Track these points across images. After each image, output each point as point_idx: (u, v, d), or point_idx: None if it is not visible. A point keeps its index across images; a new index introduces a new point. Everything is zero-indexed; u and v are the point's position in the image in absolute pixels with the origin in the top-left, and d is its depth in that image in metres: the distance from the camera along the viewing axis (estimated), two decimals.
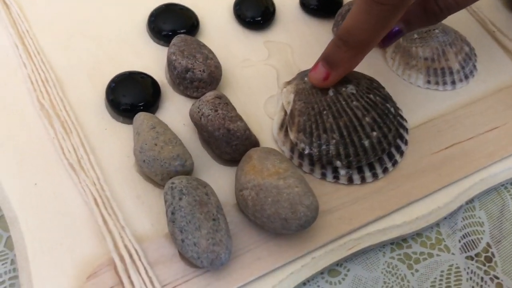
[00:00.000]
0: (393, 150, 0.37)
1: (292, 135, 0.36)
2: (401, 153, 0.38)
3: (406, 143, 0.38)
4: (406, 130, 0.39)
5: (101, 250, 0.32)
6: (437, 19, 0.37)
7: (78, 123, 0.37)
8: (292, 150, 0.37)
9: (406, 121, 0.40)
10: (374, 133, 0.35)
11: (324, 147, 0.35)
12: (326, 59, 0.35)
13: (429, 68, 0.42)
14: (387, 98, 0.37)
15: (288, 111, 0.37)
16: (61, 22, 0.42)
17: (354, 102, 0.35)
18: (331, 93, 0.36)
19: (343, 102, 0.35)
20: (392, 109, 0.37)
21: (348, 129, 0.35)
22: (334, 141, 0.35)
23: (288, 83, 0.39)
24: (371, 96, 0.36)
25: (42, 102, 0.37)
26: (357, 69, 0.39)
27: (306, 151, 0.36)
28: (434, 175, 0.37)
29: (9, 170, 0.35)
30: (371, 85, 0.37)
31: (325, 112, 0.35)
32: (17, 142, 0.36)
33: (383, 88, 0.38)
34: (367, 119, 0.35)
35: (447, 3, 0.36)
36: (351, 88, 0.36)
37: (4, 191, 0.34)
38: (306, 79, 0.37)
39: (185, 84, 0.38)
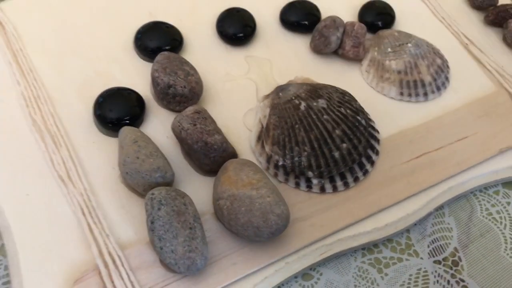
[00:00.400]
0: (364, 160, 0.39)
1: (267, 148, 0.38)
2: (372, 163, 0.40)
3: (377, 153, 0.40)
4: (377, 141, 0.41)
5: (87, 257, 0.35)
6: None
7: (67, 137, 0.39)
8: (268, 161, 0.39)
9: (378, 132, 0.42)
10: (344, 145, 0.37)
11: (296, 159, 0.37)
12: None
13: (402, 80, 0.44)
14: (358, 111, 0.40)
15: (264, 125, 0.39)
16: (53, 41, 0.45)
17: (325, 116, 0.38)
18: (302, 107, 0.38)
19: (314, 116, 0.37)
20: (363, 121, 0.39)
21: (319, 141, 0.37)
22: (305, 153, 0.37)
23: (266, 97, 0.42)
24: (342, 109, 0.38)
25: (34, 118, 0.40)
26: (334, 82, 0.42)
27: (280, 163, 0.38)
28: (403, 184, 0.40)
29: (3, 181, 0.37)
30: (343, 99, 0.39)
31: (297, 126, 0.37)
32: (10, 155, 0.38)
33: (355, 101, 0.40)
34: (337, 131, 0.37)
35: None
36: (322, 103, 0.38)
37: None
38: (280, 94, 0.39)
39: (168, 99, 0.41)
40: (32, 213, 0.36)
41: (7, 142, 0.39)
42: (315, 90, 0.39)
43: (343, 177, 0.38)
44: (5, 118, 0.40)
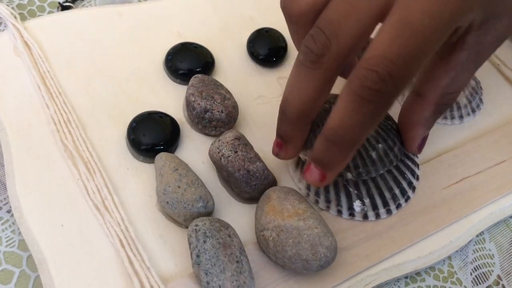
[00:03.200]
0: (405, 186, 0.38)
1: (301, 154, 0.37)
2: (413, 188, 0.39)
3: (417, 178, 0.40)
4: (417, 165, 0.40)
5: None
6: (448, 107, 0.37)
7: (101, 164, 0.38)
8: (308, 187, 0.38)
9: (417, 156, 0.41)
10: (380, 145, 0.37)
11: None
12: (318, 161, 0.33)
13: None
14: (388, 117, 0.39)
15: None
16: (80, 62, 0.43)
17: None
18: None
19: None
20: (394, 126, 0.39)
21: None
22: None
23: None
24: None
25: (66, 143, 0.39)
26: None
27: None
28: (445, 210, 0.39)
29: (36, 211, 0.36)
30: None
31: None
32: (43, 184, 0.37)
33: None
34: (372, 132, 0.37)
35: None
36: None
37: (32, 232, 0.35)
38: None
39: (203, 123, 0.40)
40: (68, 244, 0.35)
41: (39, 169, 0.38)
42: None
43: (385, 204, 0.38)
44: (35, 143, 0.39)
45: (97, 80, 0.43)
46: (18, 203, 0.36)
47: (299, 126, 0.34)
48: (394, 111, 0.43)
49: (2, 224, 0.37)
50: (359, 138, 0.31)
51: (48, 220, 0.35)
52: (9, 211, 0.37)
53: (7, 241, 0.36)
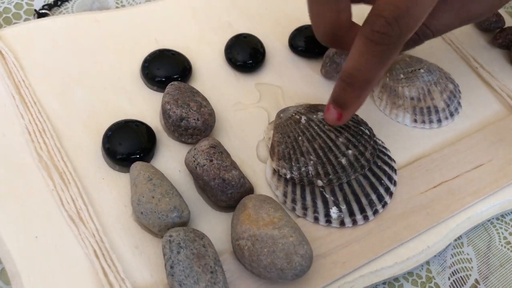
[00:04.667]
0: (383, 192, 0.38)
1: (274, 164, 0.38)
2: (390, 194, 0.39)
3: (395, 184, 0.40)
4: (394, 171, 0.40)
5: None
6: (415, 45, 0.40)
7: (76, 174, 0.38)
8: (285, 194, 0.38)
9: (394, 161, 0.41)
10: (350, 151, 0.37)
11: (303, 169, 0.37)
12: (335, 101, 0.36)
13: (415, 107, 0.44)
14: (360, 122, 0.40)
15: (269, 145, 0.39)
16: (56, 70, 0.43)
17: (326, 126, 0.38)
18: (303, 120, 0.38)
19: (316, 127, 0.38)
20: (366, 131, 0.39)
21: (324, 150, 0.37)
22: (312, 162, 0.37)
23: (270, 123, 0.42)
24: None
25: (40, 154, 0.38)
26: None
27: (288, 176, 0.37)
28: (423, 215, 0.39)
29: (10, 223, 0.35)
30: None
31: (300, 138, 0.37)
32: (17, 195, 0.36)
33: (356, 114, 0.40)
34: (341, 139, 0.37)
35: (424, 32, 0.39)
36: (321, 115, 0.38)
37: (5, 245, 0.34)
38: (281, 115, 0.40)
39: (180, 131, 0.39)
40: (42, 256, 0.34)
41: (13, 180, 0.37)
42: (314, 106, 0.40)
43: (362, 210, 0.37)
44: (9, 154, 0.38)
45: (73, 89, 0.42)
46: None
47: (364, 93, 0.35)
48: (369, 114, 0.43)
49: None
50: (371, 78, 0.33)
51: (22, 231, 0.35)
52: None
53: None
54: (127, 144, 0.39)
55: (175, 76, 0.43)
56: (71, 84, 0.42)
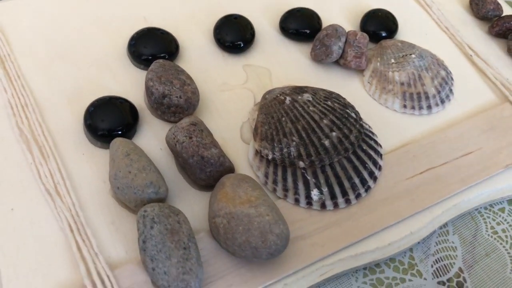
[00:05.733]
0: (366, 176, 0.38)
1: (256, 145, 0.38)
2: (375, 178, 0.38)
3: (380, 168, 0.39)
4: (380, 155, 0.39)
5: (74, 277, 0.33)
6: None
7: (56, 149, 0.37)
8: (266, 175, 0.37)
9: (380, 146, 0.40)
10: (334, 133, 0.36)
11: (285, 150, 0.36)
12: None
13: (405, 92, 0.43)
14: (347, 105, 0.39)
15: (253, 126, 0.39)
16: (42, 46, 0.43)
17: (311, 108, 0.37)
18: (287, 101, 0.37)
19: (300, 108, 0.37)
20: (352, 114, 0.38)
21: (307, 131, 0.36)
22: (294, 143, 0.36)
23: (256, 104, 0.41)
24: (329, 102, 0.38)
25: (21, 127, 0.38)
26: (335, 90, 0.40)
27: (270, 156, 0.37)
28: (407, 201, 0.38)
29: None
30: (330, 95, 0.39)
31: (283, 118, 0.37)
32: None
33: (344, 98, 0.40)
34: (325, 121, 0.37)
35: None
36: (307, 96, 0.38)
37: None
38: (267, 96, 0.39)
39: (162, 109, 0.39)
40: (16, 229, 0.34)
41: None
42: (300, 88, 0.39)
43: (344, 193, 0.37)
44: None
45: (58, 64, 0.42)
46: None
47: None
48: (357, 98, 0.42)
49: None
50: None
51: None
52: None
53: None
54: (109, 121, 0.38)
55: (162, 55, 0.42)
56: (56, 60, 0.42)
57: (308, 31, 0.46)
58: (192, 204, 0.36)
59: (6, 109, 0.39)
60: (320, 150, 0.36)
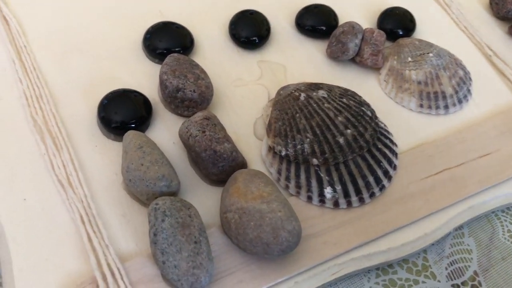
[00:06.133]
0: (381, 175, 0.37)
1: (270, 141, 0.37)
2: (389, 178, 0.38)
3: (395, 168, 0.38)
4: (395, 154, 0.39)
5: (84, 268, 0.33)
6: None
7: (69, 140, 0.37)
8: (279, 172, 0.37)
9: (396, 145, 0.39)
10: (349, 131, 0.36)
11: (299, 146, 0.36)
12: None
13: (422, 91, 0.42)
14: (362, 103, 0.38)
15: (267, 122, 0.38)
16: (58, 38, 0.43)
17: (326, 104, 0.37)
18: (302, 98, 0.37)
19: (314, 105, 0.37)
20: (368, 112, 0.38)
21: (321, 128, 0.36)
22: (308, 140, 0.36)
23: (270, 101, 0.41)
24: (344, 100, 0.38)
25: (35, 118, 0.38)
26: (350, 88, 0.40)
27: (283, 153, 0.36)
28: (422, 201, 0.37)
29: (0, 184, 0.35)
30: (345, 92, 0.39)
31: (297, 115, 0.36)
32: (8, 157, 0.36)
33: (359, 96, 0.39)
34: (340, 118, 0.36)
35: None
36: (322, 93, 0.37)
37: None
38: (281, 92, 0.38)
39: (176, 103, 0.39)
40: (28, 219, 0.34)
41: (6, 142, 0.37)
42: (315, 84, 0.39)
43: (358, 192, 0.36)
44: (4, 117, 0.38)
45: (73, 57, 0.42)
46: None
47: None
48: (373, 97, 0.42)
49: None
50: None
51: (11, 193, 0.35)
52: None
53: None
54: (122, 113, 0.38)
55: (177, 49, 0.42)
56: (71, 52, 0.42)
57: (324, 28, 0.45)
58: (203, 199, 0.36)
59: (21, 99, 0.39)
60: (334, 148, 0.36)
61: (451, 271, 0.37)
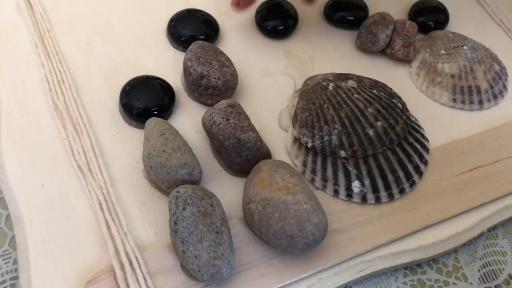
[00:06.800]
0: (411, 170, 0.35)
1: (295, 132, 0.36)
2: (420, 174, 0.36)
3: (426, 163, 0.36)
4: (426, 150, 0.37)
5: (102, 256, 0.32)
6: None
7: (90, 125, 0.37)
8: (305, 164, 0.36)
9: (427, 140, 0.38)
10: (379, 123, 0.34)
11: (326, 138, 0.34)
12: None
13: (455, 85, 0.40)
14: (393, 95, 0.37)
15: (292, 113, 0.37)
16: (81, 24, 0.42)
17: (355, 95, 0.35)
18: (331, 87, 0.36)
19: (343, 95, 0.35)
20: (399, 104, 0.36)
21: (350, 119, 0.34)
22: (336, 131, 0.34)
23: (296, 91, 0.39)
24: (374, 91, 0.36)
25: (56, 103, 0.37)
26: (381, 80, 0.38)
27: (309, 144, 0.35)
28: (454, 199, 0.35)
29: (19, 168, 0.34)
30: (376, 84, 0.37)
31: (325, 105, 0.35)
32: (28, 141, 0.36)
33: (390, 88, 0.38)
34: (370, 110, 0.35)
35: None
36: (351, 83, 0.36)
37: (12, 189, 0.34)
38: (308, 82, 0.37)
39: (199, 90, 0.38)
40: (46, 204, 0.33)
41: (26, 126, 0.36)
42: (344, 75, 0.38)
43: (387, 187, 0.35)
44: (26, 101, 0.38)
45: (96, 43, 0.41)
46: (1, 159, 0.35)
47: None
48: (403, 90, 0.40)
49: None
50: None
51: (30, 178, 0.34)
52: None
53: None
54: (145, 100, 0.37)
55: (201, 37, 0.41)
56: (95, 38, 0.42)
57: (353, 19, 0.44)
58: (225, 190, 0.35)
59: (42, 83, 0.38)
60: (364, 140, 0.34)
61: (484, 273, 0.35)
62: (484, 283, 0.34)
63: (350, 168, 0.34)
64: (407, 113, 0.37)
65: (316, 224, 0.30)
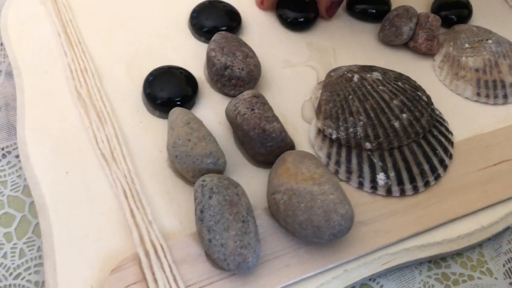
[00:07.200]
0: (436, 163, 0.35)
1: (319, 123, 0.36)
2: (445, 167, 0.36)
3: (450, 157, 0.36)
4: (451, 143, 0.37)
5: (127, 244, 0.31)
6: None
7: (113, 114, 0.37)
8: (329, 156, 0.35)
9: (451, 134, 0.37)
10: (404, 115, 0.34)
11: (351, 129, 0.34)
12: None
13: (480, 79, 0.40)
14: (417, 88, 0.37)
15: (316, 105, 0.37)
16: (104, 13, 0.42)
17: (380, 87, 0.35)
18: (355, 79, 0.35)
19: (369, 87, 0.35)
20: (424, 97, 0.36)
21: (375, 111, 0.34)
22: (361, 123, 0.34)
23: (319, 83, 0.39)
24: (399, 83, 0.36)
25: (80, 91, 0.37)
26: (404, 73, 0.38)
27: (334, 136, 0.35)
28: (479, 193, 0.35)
29: (43, 156, 0.34)
30: (400, 76, 0.37)
31: (350, 97, 0.35)
32: (52, 130, 0.36)
33: (414, 80, 0.38)
34: (395, 102, 0.35)
35: None
36: (376, 75, 0.36)
37: (36, 177, 0.34)
38: (332, 73, 0.37)
39: (223, 81, 0.37)
40: (70, 192, 0.33)
41: (50, 115, 0.36)
42: (368, 67, 0.37)
43: (412, 180, 0.34)
44: (49, 90, 0.38)
45: (119, 32, 0.41)
46: (25, 147, 0.35)
47: None
48: (427, 84, 0.40)
49: (10, 168, 0.36)
50: None
51: (54, 166, 0.34)
52: (17, 156, 0.36)
53: (12, 186, 0.35)
54: (168, 90, 0.37)
55: (223, 28, 0.41)
56: (117, 28, 0.41)
57: (375, 11, 0.43)
58: (248, 180, 0.35)
59: (65, 72, 0.38)
60: (389, 132, 0.34)
61: (509, 268, 0.35)
62: (510, 278, 0.34)
63: (375, 160, 0.34)
64: (432, 106, 0.36)
65: (342, 215, 0.30)
